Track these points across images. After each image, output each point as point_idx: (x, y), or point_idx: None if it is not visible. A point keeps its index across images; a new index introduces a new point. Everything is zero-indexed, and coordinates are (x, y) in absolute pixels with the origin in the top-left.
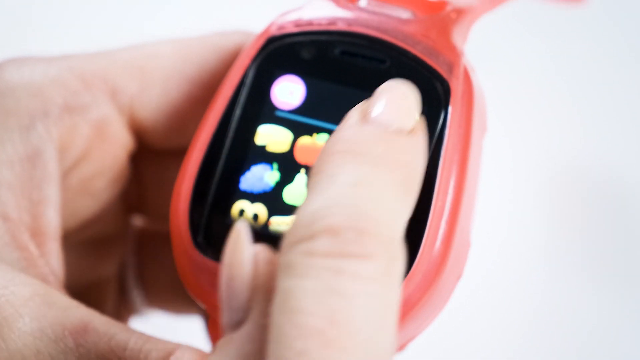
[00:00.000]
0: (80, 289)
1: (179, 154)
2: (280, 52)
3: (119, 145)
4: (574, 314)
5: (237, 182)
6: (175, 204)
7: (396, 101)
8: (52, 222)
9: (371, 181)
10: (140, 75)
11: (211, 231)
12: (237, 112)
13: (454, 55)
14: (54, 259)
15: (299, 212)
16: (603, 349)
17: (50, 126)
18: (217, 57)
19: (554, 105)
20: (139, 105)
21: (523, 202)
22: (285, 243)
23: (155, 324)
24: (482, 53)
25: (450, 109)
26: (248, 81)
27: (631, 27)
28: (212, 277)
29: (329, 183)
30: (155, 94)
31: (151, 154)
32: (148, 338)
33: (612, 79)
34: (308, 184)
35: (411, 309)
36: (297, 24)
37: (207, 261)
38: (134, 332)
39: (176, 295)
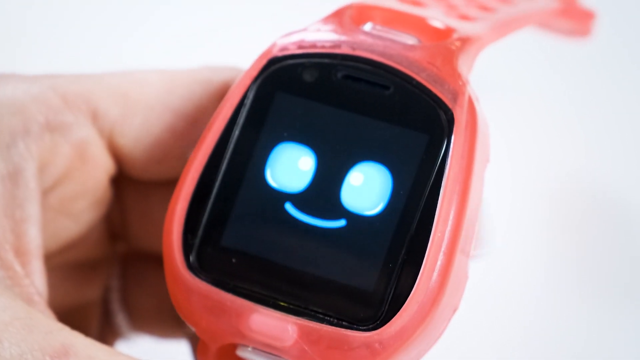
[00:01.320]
0: (64, 312)
1: (160, 184)
2: (282, 74)
3: (100, 167)
4: (574, 331)
5: (233, 204)
6: (169, 223)
7: None
8: (35, 241)
9: None
10: (123, 101)
11: (205, 253)
12: (236, 132)
13: (459, 84)
14: (38, 278)
15: None
16: None
17: (30, 144)
18: (204, 91)
19: (554, 125)
20: (119, 131)
21: (523, 221)
22: None
23: (142, 348)
24: (482, 78)
25: (453, 138)
26: (248, 102)
27: (631, 54)
28: (204, 300)
29: None
30: (136, 122)
31: (133, 182)
32: None
33: (611, 100)
34: None
35: (406, 339)
36: (300, 45)
37: (199, 283)
38: (117, 355)
39: (162, 319)
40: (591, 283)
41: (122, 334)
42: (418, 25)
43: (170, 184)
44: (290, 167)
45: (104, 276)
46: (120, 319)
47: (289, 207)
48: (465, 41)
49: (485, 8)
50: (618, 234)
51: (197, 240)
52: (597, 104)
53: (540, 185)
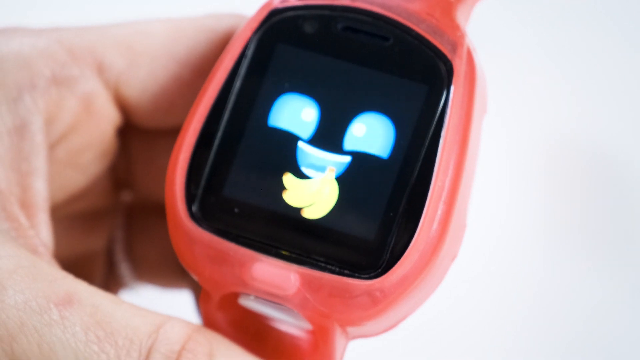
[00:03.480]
0: (69, 262)
1: (166, 133)
2: (283, 25)
3: (106, 119)
4: (573, 294)
5: (235, 153)
6: (171, 174)
7: None
8: (41, 194)
9: None
10: (128, 52)
11: (207, 202)
12: (237, 83)
13: (458, 35)
14: (44, 230)
15: None
16: (601, 333)
17: (37, 98)
18: (208, 39)
19: (550, 86)
20: (125, 82)
21: (519, 183)
22: None
23: (145, 297)
24: (480, 34)
25: (452, 88)
26: (249, 53)
27: (626, 11)
28: (207, 249)
29: None
30: (142, 73)
31: (139, 132)
32: (136, 310)
33: (607, 61)
34: None
35: (407, 287)
36: None
37: (201, 232)
38: (122, 303)
39: (165, 269)
40: (586, 239)
41: (126, 283)
42: None
43: (176, 133)
44: (294, 118)
45: (108, 226)
46: (124, 268)
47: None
48: None
49: None
50: (612, 186)
51: (199, 190)
52: (592, 58)
53: (534, 138)
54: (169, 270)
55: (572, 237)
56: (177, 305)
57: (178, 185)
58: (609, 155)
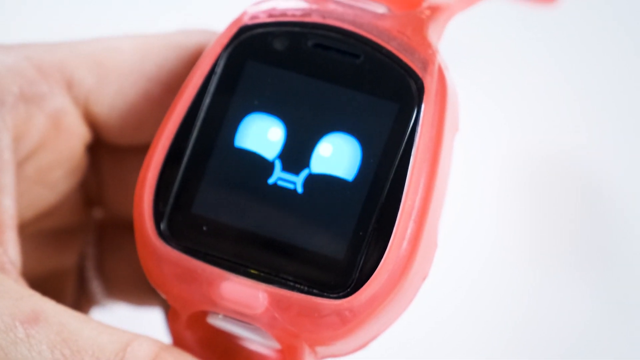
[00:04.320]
0: (40, 279)
1: (137, 150)
2: (253, 42)
3: (75, 136)
4: (555, 310)
5: (204, 171)
6: (140, 191)
7: None
8: (9, 212)
9: None
10: (98, 69)
11: (175, 220)
12: (207, 100)
13: (429, 52)
14: (11, 247)
15: None
16: (588, 343)
17: (5, 115)
18: (178, 56)
19: (530, 100)
20: (94, 99)
21: (500, 196)
22: None
23: (117, 316)
24: (456, 51)
25: (423, 106)
26: (219, 70)
27: (604, 19)
28: (175, 267)
29: None
30: (111, 90)
31: (109, 149)
32: (104, 328)
33: (588, 73)
34: None
35: (376, 307)
36: (270, 13)
37: (170, 251)
38: (89, 321)
39: (137, 286)
40: (572, 260)
41: (98, 301)
42: None
43: (146, 150)
44: (260, 137)
45: (79, 243)
46: (96, 286)
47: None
48: (435, 10)
49: None
50: (588, 199)
51: (168, 208)
52: (566, 71)
53: (508, 153)
54: (140, 288)
55: (554, 251)
56: (148, 323)
57: (146, 203)
58: (590, 169)
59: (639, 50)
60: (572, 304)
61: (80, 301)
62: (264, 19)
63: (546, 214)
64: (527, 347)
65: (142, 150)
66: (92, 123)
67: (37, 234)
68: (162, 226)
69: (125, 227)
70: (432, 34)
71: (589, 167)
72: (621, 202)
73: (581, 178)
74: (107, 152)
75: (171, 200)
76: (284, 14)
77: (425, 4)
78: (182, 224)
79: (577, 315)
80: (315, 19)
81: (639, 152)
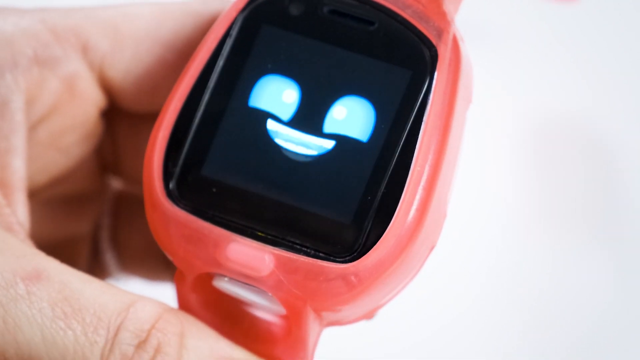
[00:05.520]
0: (52, 246)
1: (152, 117)
2: (268, 7)
3: (89, 101)
4: (562, 274)
5: (215, 132)
6: (150, 151)
7: None
8: (19, 173)
9: None
10: (113, 34)
11: (185, 181)
12: (220, 63)
13: (444, 21)
14: (20, 209)
15: None
16: (594, 314)
17: (18, 77)
18: (194, 23)
19: (538, 65)
20: (109, 64)
21: (509, 171)
22: None
23: (130, 289)
24: (469, 25)
25: (436, 75)
26: (233, 34)
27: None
28: (182, 228)
29: None
30: (127, 55)
31: (125, 115)
32: (107, 288)
33: (593, 39)
34: None
35: (381, 274)
36: None
37: (177, 211)
38: (92, 281)
39: (150, 260)
40: (580, 228)
41: (111, 273)
42: None
43: None
44: (274, 99)
45: (94, 212)
46: (109, 257)
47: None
48: None
49: None
50: (597, 172)
51: (177, 169)
52: (575, 47)
53: (519, 126)
54: (154, 261)
55: (565, 224)
56: (162, 299)
57: (156, 163)
58: (600, 139)
59: None
60: (584, 271)
61: (94, 272)
62: None
63: (557, 181)
64: (536, 320)
65: (157, 117)
66: (107, 88)
67: (51, 199)
68: (171, 186)
69: (141, 199)
70: (448, 4)
71: (600, 132)
72: (634, 167)
73: (592, 143)
74: (123, 119)
75: (181, 160)
76: None
77: None
78: (191, 184)
79: (588, 282)
80: None
81: None
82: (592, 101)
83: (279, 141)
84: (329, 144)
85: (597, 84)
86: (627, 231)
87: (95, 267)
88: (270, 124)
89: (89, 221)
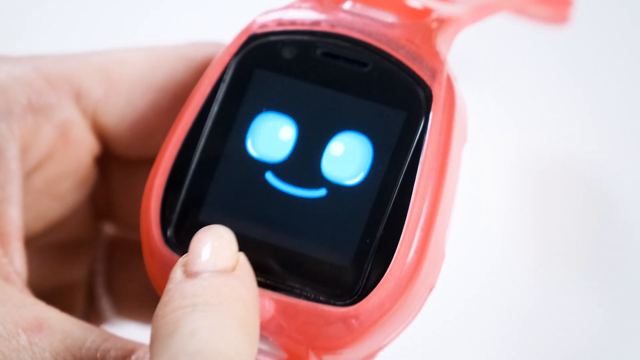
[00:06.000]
0: (48, 294)
1: (146, 162)
2: (262, 50)
3: (83, 148)
4: (557, 312)
5: (212, 178)
6: (147, 198)
7: (212, 246)
8: (15, 222)
9: (209, 324)
10: (106, 80)
11: (182, 227)
12: (215, 108)
13: (438, 61)
14: (17, 258)
15: None
16: (588, 354)
17: (13, 125)
18: (187, 68)
19: (533, 104)
20: (103, 110)
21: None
22: None
23: (126, 334)
24: (461, 63)
25: (431, 115)
26: (227, 78)
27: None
28: None
29: (169, 342)
30: (120, 101)
31: (118, 161)
32: (107, 336)
33: (590, 79)
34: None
35: (382, 316)
36: (279, 22)
37: (176, 257)
38: (92, 330)
39: (147, 305)
40: (575, 266)
41: (107, 318)
42: (396, 4)
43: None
44: (271, 136)
45: (88, 258)
46: (105, 303)
47: (269, 176)
48: (443, 21)
49: None
50: (592, 211)
51: (175, 215)
52: (572, 87)
53: (515, 165)
54: (150, 306)
55: (561, 264)
56: None
57: (153, 210)
58: (597, 175)
59: None
60: (579, 310)
61: (89, 318)
62: (273, 27)
63: (553, 221)
64: (533, 353)
65: (151, 162)
66: (101, 134)
67: (46, 247)
68: (169, 233)
69: (135, 244)
70: (440, 44)
71: (596, 173)
72: (629, 207)
73: (588, 184)
74: (116, 165)
75: (178, 207)
76: (293, 23)
77: (433, 15)
78: (189, 230)
79: (583, 321)
80: (324, 27)
81: None
82: (586, 138)
83: (275, 184)
84: (327, 185)
85: (592, 121)
86: (623, 271)
87: (91, 313)
88: (267, 167)
89: (83, 267)
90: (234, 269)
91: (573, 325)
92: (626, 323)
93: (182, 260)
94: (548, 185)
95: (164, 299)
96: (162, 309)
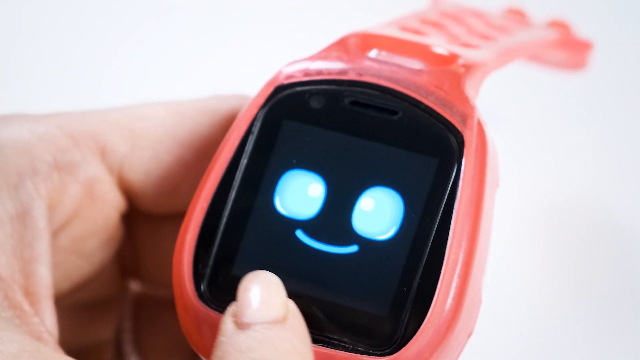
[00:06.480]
0: (76, 352)
1: (172, 218)
2: (289, 101)
3: (110, 205)
4: (571, 350)
5: (243, 232)
6: (179, 253)
7: (262, 294)
8: (45, 281)
9: None
10: (131, 136)
11: (216, 282)
12: (244, 161)
13: (468, 107)
14: (48, 317)
15: None
16: None
17: (39, 184)
18: (211, 121)
19: (552, 153)
20: (128, 166)
21: (525, 246)
22: None
23: None
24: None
25: (464, 161)
26: (256, 130)
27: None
28: (216, 330)
29: None
30: (145, 156)
31: (144, 217)
32: None
33: (607, 128)
34: None
35: None
36: (306, 72)
37: (211, 313)
38: None
39: None
40: (590, 305)
41: None
42: (422, 51)
43: (181, 217)
44: (300, 194)
45: (115, 316)
46: None
47: (299, 234)
48: (470, 66)
49: (486, 37)
50: (615, 254)
51: (208, 270)
52: (593, 132)
53: (541, 210)
54: None
55: (575, 300)
56: None
57: (186, 264)
58: (612, 222)
59: None
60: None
61: None
62: (299, 77)
63: (574, 265)
64: None
65: (177, 218)
66: (127, 191)
67: (74, 305)
68: (203, 287)
69: (162, 300)
70: (469, 89)
71: (614, 217)
72: None
73: (606, 227)
74: (142, 221)
75: (211, 261)
76: (320, 73)
77: (460, 61)
78: (222, 285)
79: None
80: (351, 76)
81: None
82: (606, 183)
83: (306, 241)
84: (358, 241)
85: (616, 167)
86: None
87: None
88: (297, 225)
89: (111, 325)
90: (285, 317)
91: None
92: None
93: (231, 309)
94: (567, 231)
95: (218, 352)
96: None
